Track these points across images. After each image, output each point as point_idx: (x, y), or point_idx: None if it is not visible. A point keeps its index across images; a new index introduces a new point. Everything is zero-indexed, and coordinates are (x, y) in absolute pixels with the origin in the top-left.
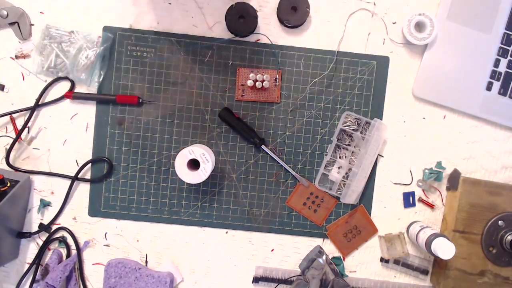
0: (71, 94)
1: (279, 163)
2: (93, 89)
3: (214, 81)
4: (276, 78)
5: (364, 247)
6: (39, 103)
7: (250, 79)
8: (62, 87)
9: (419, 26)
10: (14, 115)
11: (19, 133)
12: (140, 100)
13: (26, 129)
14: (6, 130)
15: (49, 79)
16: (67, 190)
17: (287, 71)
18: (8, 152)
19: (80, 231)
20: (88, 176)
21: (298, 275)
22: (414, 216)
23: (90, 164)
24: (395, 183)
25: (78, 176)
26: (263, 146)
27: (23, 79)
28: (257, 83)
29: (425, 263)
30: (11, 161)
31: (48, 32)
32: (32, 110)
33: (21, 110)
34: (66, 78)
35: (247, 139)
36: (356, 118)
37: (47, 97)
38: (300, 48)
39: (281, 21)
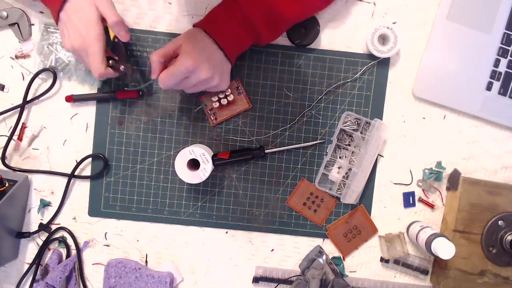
0: (71, 98)
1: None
2: (93, 90)
3: None
4: (238, 87)
5: (364, 247)
6: (28, 99)
7: (213, 101)
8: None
9: (384, 39)
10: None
11: (13, 131)
12: (140, 93)
13: (27, 129)
14: (9, 129)
15: (50, 79)
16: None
17: (287, 70)
18: (4, 151)
19: (80, 231)
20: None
21: (298, 275)
22: (414, 216)
23: (90, 164)
24: (395, 183)
25: (76, 174)
26: (266, 151)
27: (23, 79)
28: (221, 100)
29: (425, 263)
30: (10, 162)
31: (47, 32)
32: (22, 107)
33: (9, 110)
34: (47, 70)
35: (252, 159)
36: (356, 118)
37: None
38: (301, 49)
39: (292, 41)
